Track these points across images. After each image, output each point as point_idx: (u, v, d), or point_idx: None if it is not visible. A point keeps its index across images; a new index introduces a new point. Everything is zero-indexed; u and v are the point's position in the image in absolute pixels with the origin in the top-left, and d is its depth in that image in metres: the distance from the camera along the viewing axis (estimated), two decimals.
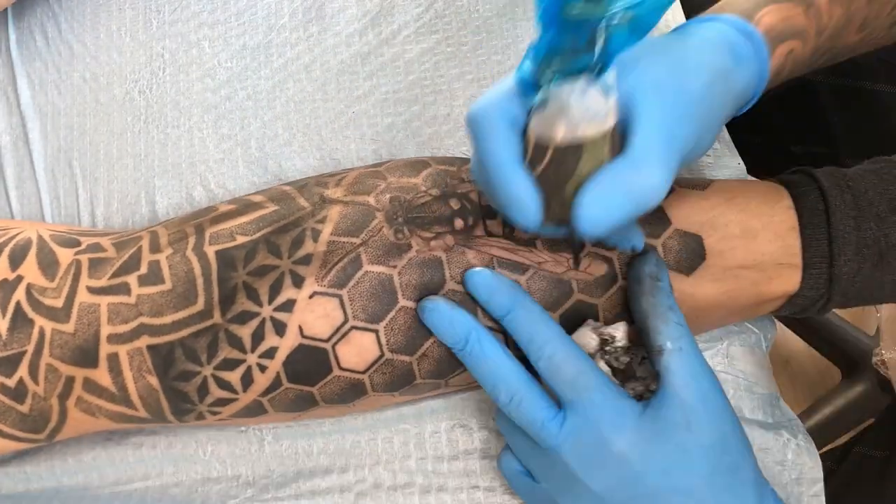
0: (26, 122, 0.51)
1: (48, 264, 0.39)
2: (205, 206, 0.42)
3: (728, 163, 0.47)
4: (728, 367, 0.43)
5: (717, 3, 0.39)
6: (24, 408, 0.38)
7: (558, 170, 0.31)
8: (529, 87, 0.30)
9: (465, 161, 0.41)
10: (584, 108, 0.29)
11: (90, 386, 0.38)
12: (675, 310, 0.36)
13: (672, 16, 0.51)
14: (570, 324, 0.38)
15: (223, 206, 0.40)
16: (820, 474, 0.43)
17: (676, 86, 0.32)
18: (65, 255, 0.40)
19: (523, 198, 0.31)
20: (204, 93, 0.51)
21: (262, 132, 0.50)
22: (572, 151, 0.30)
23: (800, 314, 0.42)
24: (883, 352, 0.79)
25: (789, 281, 0.39)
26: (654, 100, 0.31)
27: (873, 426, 0.69)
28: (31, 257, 0.39)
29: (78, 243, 0.40)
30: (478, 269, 0.37)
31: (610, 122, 0.30)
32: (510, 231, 0.38)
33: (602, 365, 0.37)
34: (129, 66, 0.52)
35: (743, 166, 0.47)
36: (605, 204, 0.30)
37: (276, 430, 0.44)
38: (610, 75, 0.30)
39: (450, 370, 0.39)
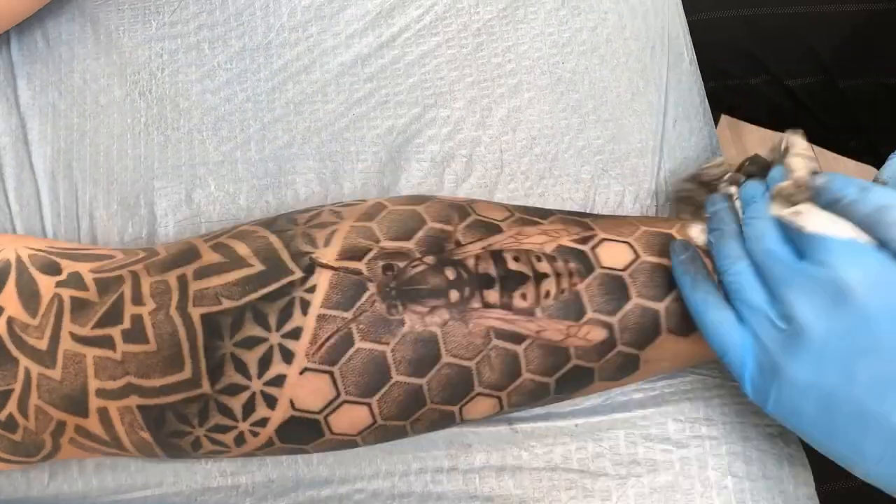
0: (26, 123, 0.51)
1: (29, 295, 0.38)
2: (187, 238, 0.41)
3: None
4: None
5: None
6: (17, 437, 0.38)
7: None
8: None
9: (463, 215, 0.39)
10: None
11: (82, 432, 0.37)
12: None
13: (672, 19, 0.50)
14: (570, 386, 0.38)
15: (207, 251, 0.39)
16: (811, 486, 0.43)
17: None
18: (46, 286, 0.38)
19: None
20: (203, 94, 0.51)
21: (262, 134, 0.50)
22: None
23: None
24: None
25: None
26: None
27: None
28: (11, 285, 0.38)
29: (58, 270, 0.39)
30: None
31: None
32: (508, 300, 0.37)
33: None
34: (129, 68, 0.52)
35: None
36: None
37: None
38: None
39: (443, 426, 0.39)
